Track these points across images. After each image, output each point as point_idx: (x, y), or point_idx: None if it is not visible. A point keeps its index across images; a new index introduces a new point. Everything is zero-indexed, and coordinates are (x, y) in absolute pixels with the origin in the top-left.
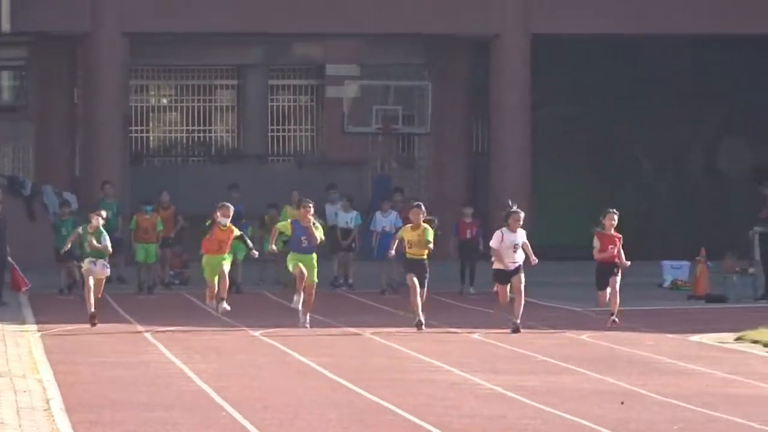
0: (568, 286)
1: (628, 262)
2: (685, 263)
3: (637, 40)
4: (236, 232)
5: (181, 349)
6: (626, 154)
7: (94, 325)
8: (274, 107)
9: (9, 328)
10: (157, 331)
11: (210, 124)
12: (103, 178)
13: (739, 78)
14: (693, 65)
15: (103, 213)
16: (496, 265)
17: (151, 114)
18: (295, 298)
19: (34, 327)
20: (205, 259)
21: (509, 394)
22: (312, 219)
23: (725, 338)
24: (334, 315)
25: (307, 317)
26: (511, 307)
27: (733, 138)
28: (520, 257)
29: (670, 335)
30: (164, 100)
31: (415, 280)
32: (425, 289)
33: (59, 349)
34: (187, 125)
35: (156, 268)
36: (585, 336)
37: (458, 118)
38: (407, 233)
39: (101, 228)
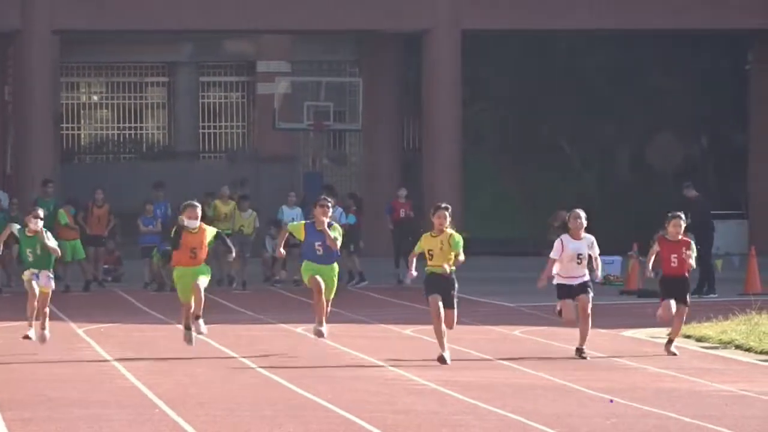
0: (500, 281)
1: (693, 264)
2: (618, 258)
3: (565, 36)
4: (210, 231)
5: (115, 345)
6: (555, 149)
7: (26, 338)
8: (205, 104)
9: None
10: (91, 328)
11: (141, 122)
12: (33, 175)
13: (665, 73)
14: (619, 60)
15: (41, 212)
16: (559, 279)
17: (82, 111)
18: (315, 327)
19: None
20: (176, 273)
21: (443, 389)
22: (326, 221)
23: (658, 333)
24: (268, 311)
25: (323, 329)
26: (577, 324)
27: (661, 132)
28: (585, 271)
29: (603, 330)
30: (95, 98)
31: (440, 303)
32: (455, 310)
33: None
34: (119, 122)
35: (89, 266)
36: (518, 331)
37: (389, 114)
38: (427, 242)
39: (43, 230)
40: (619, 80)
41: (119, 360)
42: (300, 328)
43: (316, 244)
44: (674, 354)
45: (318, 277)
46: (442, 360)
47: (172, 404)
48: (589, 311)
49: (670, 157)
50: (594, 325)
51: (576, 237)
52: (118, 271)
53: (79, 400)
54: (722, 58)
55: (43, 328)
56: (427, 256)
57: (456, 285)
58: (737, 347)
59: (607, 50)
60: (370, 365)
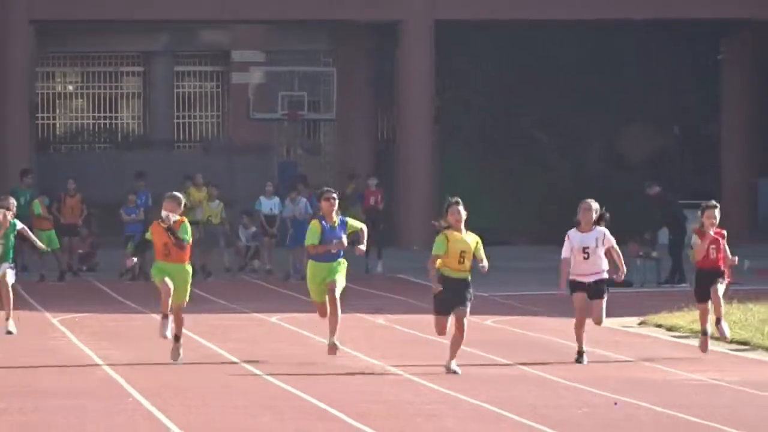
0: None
1: (735, 258)
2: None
3: (539, 27)
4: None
5: (89, 335)
6: (528, 139)
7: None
8: (180, 93)
9: None
10: (66, 318)
11: (116, 111)
12: (8, 165)
13: (640, 64)
14: (594, 52)
15: (12, 201)
16: (573, 276)
17: (57, 101)
18: (329, 339)
19: None
20: (156, 267)
21: (416, 379)
22: (338, 217)
23: (629, 322)
24: (241, 301)
25: (335, 341)
26: (582, 332)
27: (632, 124)
28: (600, 265)
29: (575, 319)
30: (70, 87)
31: (450, 319)
32: (466, 309)
33: None
34: (94, 112)
35: (63, 256)
36: (489, 321)
37: (363, 104)
38: (456, 241)
39: (13, 221)
40: (595, 71)
41: (93, 349)
42: (274, 318)
43: (334, 241)
44: (724, 333)
45: (324, 302)
46: (449, 369)
47: (146, 394)
48: (602, 320)
49: (644, 147)
50: (567, 315)
51: (584, 230)
52: (92, 261)
53: (53, 391)
54: (696, 49)
55: (7, 318)
56: (457, 258)
57: (471, 288)
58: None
59: (583, 42)
60: (344, 355)
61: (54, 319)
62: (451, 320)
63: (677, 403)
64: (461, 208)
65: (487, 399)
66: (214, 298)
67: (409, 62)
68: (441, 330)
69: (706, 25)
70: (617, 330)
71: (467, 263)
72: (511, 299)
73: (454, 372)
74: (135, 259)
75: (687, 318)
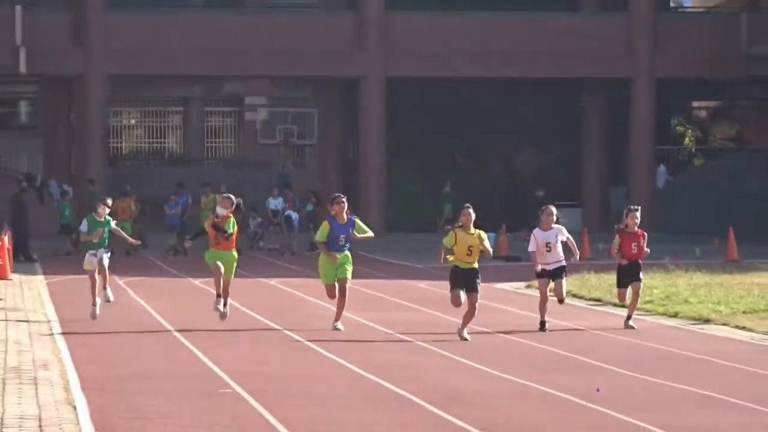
0: (416, 251)
1: (648, 250)
2: (492, 234)
3: (461, 82)
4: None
5: (143, 292)
6: (451, 160)
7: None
8: (208, 126)
9: (24, 278)
10: (130, 280)
11: (164, 138)
12: (90, 176)
13: (530, 107)
14: (499, 97)
15: (109, 201)
16: (539, 265)
17: (123, 131)
18: (335, 324)
19: (42, 277)
20: (210, 253)
21: (313, 346)
22: (348, 217)
23: (519, 286)
24: (249, 270)
25: (338, 324)
26: (545, 308)
27: (525, 150)
28: (560, 255)
29: (483, 283)
30: (133, 121)
31: (462, 294)
32: (477, 294)
33: (59, 293)
34: (148, 139)
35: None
36: (422, 284)
37: (335, 135)
38: (464, 237)
39: (107, 218)
40: (499, 113)
41: (146, 302)
42: (272, 281)
43: (342, 236)
44: (633, 327)
45: (335, 285)
46: (462, 337)
47: (183, 333)
48: (563, 296)
49: (530, 164)
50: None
51: (545, 228)
52: (142, 245)
53: (115, 331)
54: (567, 97)
55: (104, 288)
56: (465, 251)
57: (479, 275)
58: (573, 296)
59: (491, 92)
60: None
61: (120, 281)
62: (464, 298)
63: (551, 342)
64: (471, 210)
65: (361, 363)
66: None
67: (367, 106)
68: (456, 303)
69: (575, 81)
70: (510, 290)
71: (474, 255)
72: (437, 269)
73: (465, 339)
74: (192, 242)
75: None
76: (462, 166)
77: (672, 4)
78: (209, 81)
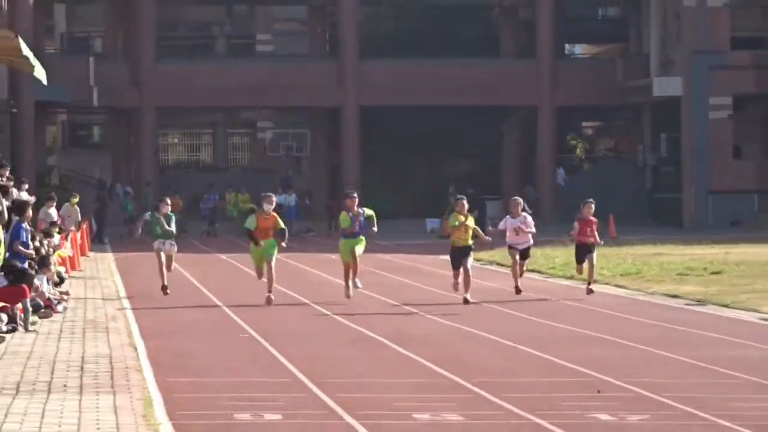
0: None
1: (602, 241)
2: (437, 220)
3: (418, 108)
4: (279, 223)
5: (184, 263)
6: (407, 169)
7: (165, 294)
8: (231, 143)
9: (98, 255)
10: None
11: (198, 152)
12: (146, 181)
13: (464, 129)
14: (447, 121)
15: (168, 200)
16: (510, 242)
17: (169, 147)
18: (345, 291)
19: (111, 255)
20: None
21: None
22: (358, 210)
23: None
24: None
25: (357, 281)
26: (517, 272)
27: (454, 160)
28: (526, 237)
29: (430, 256)
30: (175, 140)
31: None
32: (469, 270)
33: (124, 264)
34: (187, 153)
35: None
36: (387, 257)
37: (323, 149)
38: (455, 219)
39: (170, 213)
40: (445, 129)
41: (184, 269)
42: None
43: (355, 224)
44: (593, 291)
45: (349, 262)
46: (465, 301)
47: (211, 292)
48: (525, 268)
49: (464, 169)
50: (419, 252)
51: (514, 216)
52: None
53: (160, 290)
54: (491, 122)
55: (168, 270)
56: (451, 231)
57: (471, 253)
58: (497, 264)
59: (440, 115)
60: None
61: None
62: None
63: (484, 297)
64: (465, 201)
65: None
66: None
67: (346, 128)
68: (456, 279)
69: (498, 108)
70: (445, 260)
71: (468, 234)
72: (403, 247)
73: (467, 301)
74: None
75: (488, 255)
76: (416, 170)
77: (567, 52)
78: (231, 111)
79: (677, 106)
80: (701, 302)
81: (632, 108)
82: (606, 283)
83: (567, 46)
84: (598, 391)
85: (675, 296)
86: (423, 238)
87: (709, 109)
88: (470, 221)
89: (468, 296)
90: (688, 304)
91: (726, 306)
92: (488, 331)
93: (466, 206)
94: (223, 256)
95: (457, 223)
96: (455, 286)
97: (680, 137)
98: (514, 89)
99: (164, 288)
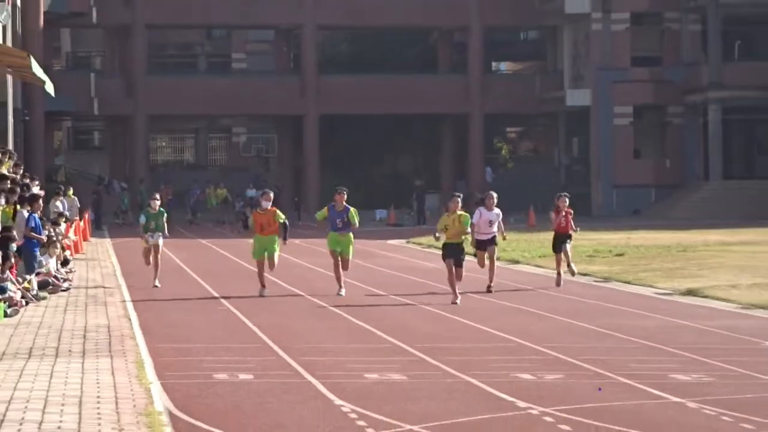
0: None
1: (578, 229)
2: (385, 211)
3: (369, 116)
4: (279, 215)
5: (171, 247)
6: (366, 167)
7: (156, 285)
8: (210, 146)
9: (98, 240)
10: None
11: (182, 154)
12: (139, 178)
13: (411, 134)
14: (395, 127)
15: (157, 195)
16: (477, 236)
17: (158, 149)
18: (337, 289)
19: (109, 239)
20: (254, 238)
21: (427, 307)
22: (345, 205)
23: (401, 241)
24: (239, 238)
25: (342, 284)
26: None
27: (410, 156)
28: (494, 229)
29: (379, 240)
30: (164, 143)
31: (452, 262)
32: (462, 269)
33: (119, 248)
34: (174, 154)
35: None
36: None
37: (289, 151)
38: (444, 220)
39: (161, 209)
40: (393, 134)
41: (179, 260)
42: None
43: (337, 220)
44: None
45: (337, 251)
46: (454, 302)
47: (204, 278)
48: (495, 258)
49: (410, 165)
50: (378, 239)
51: (489, 209)
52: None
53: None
54: (430, 127)
55: (157, 268)
56: (445, 229)
57: (464, 251)
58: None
59: (388, 122)
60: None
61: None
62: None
63: (430, 275)
64: (459, 199)
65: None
66: (231, 237)
67: (308, 134)
68: (450, 270)
69: (436, 116)
70: (397, 245)
71: (451, 232)
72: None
73: (456, 302)
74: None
75: (428, 240)
76: (370, 169)
77: (494, 69)
78: (210, 118)
79: (587, 114)
80: (607, 279)
81: (549, 116)
82: (527, 264)
83: (494, 63)
84: (599, 389)
85: (585, 274)
86: (372, 226)
87: (613, 117)
88: (462, 218)
89: (459, 300)
90: (596, 281)
91: (628, 282)
92: (433, 306)
93: (460, 204)
94: (204, 241)
95: (444, 224)
96: (450, 282)
97: (589, 140)
98: (449, 99)
99: (155, 278)
